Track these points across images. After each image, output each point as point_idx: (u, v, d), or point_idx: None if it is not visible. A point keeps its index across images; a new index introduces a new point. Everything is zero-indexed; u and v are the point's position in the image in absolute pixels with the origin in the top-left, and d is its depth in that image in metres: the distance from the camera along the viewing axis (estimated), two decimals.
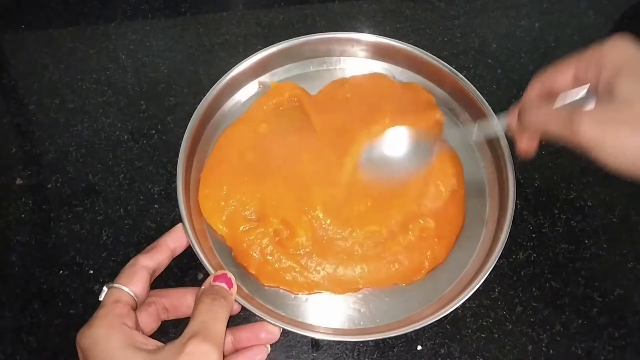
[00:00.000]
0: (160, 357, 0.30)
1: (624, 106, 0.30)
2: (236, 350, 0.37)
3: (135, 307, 0.34)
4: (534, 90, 0.37)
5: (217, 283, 0.35)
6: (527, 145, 0.38)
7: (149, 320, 0.37)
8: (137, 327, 0.33)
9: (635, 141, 0.29)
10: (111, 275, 0.45)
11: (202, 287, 0.35)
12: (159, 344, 0.32)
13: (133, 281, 0.34)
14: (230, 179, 0.44)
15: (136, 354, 0.30)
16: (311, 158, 0.45)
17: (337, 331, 0.40)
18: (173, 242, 0.39)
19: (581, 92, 0.34)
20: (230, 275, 0.36)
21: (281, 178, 0.44)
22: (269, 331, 0.38)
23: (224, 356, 0.32)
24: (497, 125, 0.40)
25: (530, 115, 0.35)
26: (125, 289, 0.34)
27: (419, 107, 0.48)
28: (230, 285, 0.36)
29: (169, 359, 0.29)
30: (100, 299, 0.34)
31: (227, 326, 0.33)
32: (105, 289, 0.34)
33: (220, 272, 0.36)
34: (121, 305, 0.33)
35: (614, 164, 0.30)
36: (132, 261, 0.36)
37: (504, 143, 0.44)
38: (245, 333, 0.38)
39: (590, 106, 0.33)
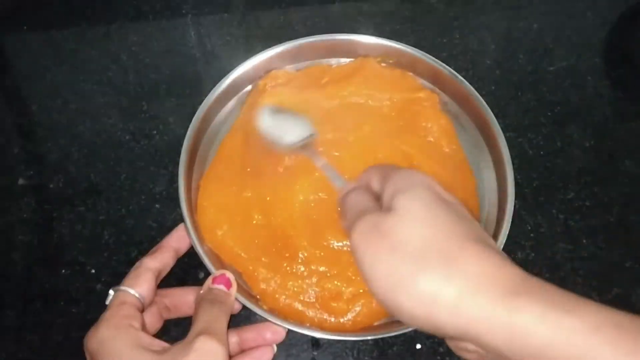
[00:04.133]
0: (168, 356, 0.30)
1: (395, 221, 0.27)
2: (242, 351, 0.38)
3: (142, 309, 0.34)
4: (361, 179, 0.35)
5: (215, 286, 0.36)
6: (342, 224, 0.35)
7: (152, 320, 0.37)
8: (144, 328, 0.34)
9: (386, 265, 0.26)
10: (113, 274, 0.45)
11: (201, 291, 0.36)
12: (166, 344, 0.32)
13: (138, 283, 0.35)
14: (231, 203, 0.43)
15: (143, 355, 0.30)
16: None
17: (337, 330, 0.40)
18: (176, 242, 0.39)
19: None
20: (229, 275, 0.36)
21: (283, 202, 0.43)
22: (275, 331, 0.38)
23: (230, 357, 0.32)
24: (339, 184, 0.38)
25: (344, 197, 0.33)
26: (131, 291, 0.34)
27: (400, 85, 0.48)
28: (229, 285, 0.36)
29: (178, 357, 0.30)
30: (107, 302, 0.34)
31: (233, 327, 0.34)
32: (111, 292, 0.35)
33: (219, 272, 0.37)
34: (127, 307, 0.33)
35: (369, 285, 0.27)
36: (137, 264, 0.36)
37: (502, 143, 0.44)
38: (250, 334, 0.38)
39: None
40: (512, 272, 0.25)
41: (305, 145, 0.42)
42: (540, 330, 0.23)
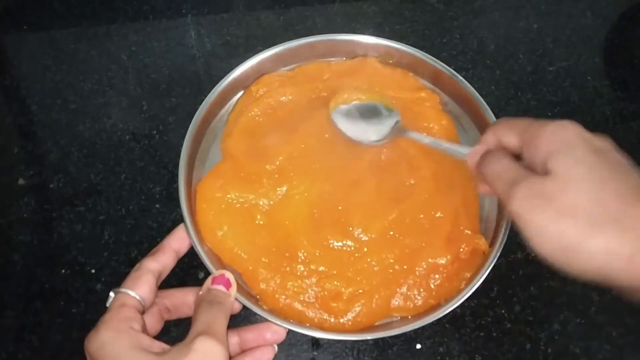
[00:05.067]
0: (167, 358, 0.30)
1: (559, 186, 0.28)
2: (243, 351, 0.38)
3: (143, 311, 0.34)
4: (488, 138, 0.35)
5: (214, 286, 0.36)
6: (485, 189, 0.36)
7: (153, 321, 0.37)
8: (144, 330, 0.33)
9: (556, 228, 0.27)
10: (113, 274, 0.45)
11: (201, 292, 0.36)
12: (166, 346, 0.32)
13: (138, 285, 0.35)
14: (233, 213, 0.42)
15: (143, 357, 0.30)
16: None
17: (337, 330, 0.40)
18: (176, 242, 0.39)
19: None
20: (228, 275, 0.36)
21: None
22: (275, 331, 0.38)
23: (230, 357, 0.32)
24: (463, 151, 0.37)
25: (484, 165, 0.34)
26: (132, 292, 0.34)
27: (401, 84, 0.48)
28: (228, 286, 0.36)
29: (177, 358, 0.30)
30: (108, 304, 0.34)
31: (233, 327, 0.33)
32: (112, 294, 0.34)
33: (218, 273, 0.37)
34: (127, 309, 0.33)
35: (535, 247, 0.28)
36: (137, 265, 0.36)
37: None
38: (251, 334, 0.38)
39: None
40: None
41: (398, 130, 0.43)
42: None
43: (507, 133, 0.33)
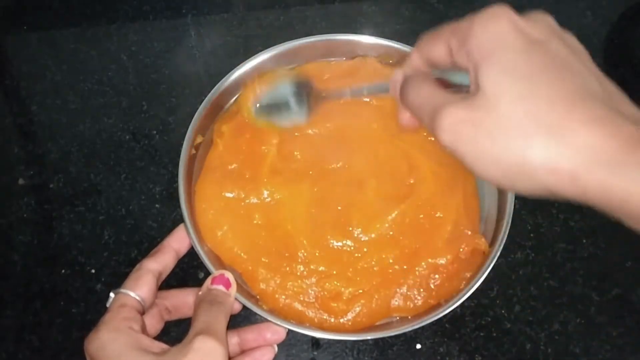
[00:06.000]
0: (167, 357, 0.30)
1: (487, 105, 0.24)
2: (242, 352, 0.38)
3: (143, 311, 0.34)
4: (414, 60, 0.31)
5: (214, 286, 0.36)
6: (408, 120, 0.31)
7: (153, 321, 0.37)
8: (144, 330, 0.33)
9: (491, 153, 0.25)
10: (113, 274, 0.45)
11: (200, 292, 0.36)
12: (165, 346, 0.32)
13: (138, 285, 0.35)
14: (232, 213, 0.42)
15: (143, 357, 0.30)
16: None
17: (337, 330, 0.40)
18: (176, 243, 0.39)
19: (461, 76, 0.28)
20: (227, 275, 0.36)
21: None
22: (275, 331, 0.38)
23: (230, 357, 0.32)
24: (386, 86, 0.33)
25: (403, 94, 0.30)
26: (132, 293, 0.34)
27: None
28: (228, 286, 0.36)
29: (178, 358, 0.30)
30: (108, 305, 0.34)
31: (233, 327, 0.33)
32: (112, 295, 0.35)
33: (217, 273, 0.37)
34: (127, 309, 0.33)
35: (480, 174, 0.26)
36: (137, 266, 0.36)
37: None
38: (251, 334, 0.38)
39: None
40: (625, 136, 0.23)
41: (318, 99, 0.40)
42: None
43: (434, 45, 0.29)
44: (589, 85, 0.25)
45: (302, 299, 0.40)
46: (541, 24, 0.27)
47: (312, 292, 0.40)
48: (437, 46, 0.29)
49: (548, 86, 0.24)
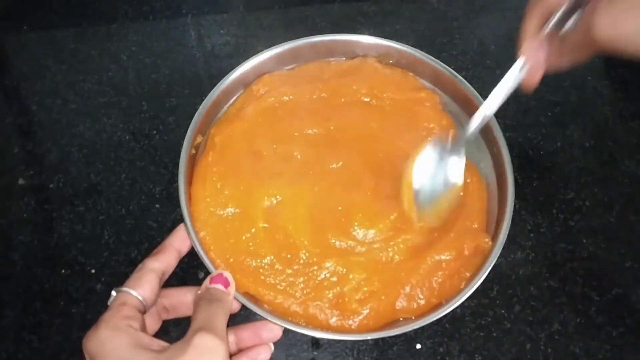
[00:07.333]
0: (167, 355, 0.30)
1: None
2: (239, 350, 0.38)
3: (144, 310, 0.34)
4: (532, 23, 0.36)
5: (213, 285, 0.36)
6: (535, 77, 0.38)
7: (151, 320, 0.37)
8: (144, 329, 0.33)
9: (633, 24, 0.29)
10: (113, 274, 0.45)
11: (199, 291, 0.36)
12: (165, 344, 0.32)
13: (140, 284, 0.35)
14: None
15: (143, 354, 0.30)
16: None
17: (337, 330, 0.40)
18: (178, 242, 0.39)
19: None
20: (226, 274, 0.36)
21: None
22: (271, 330, 0.38)
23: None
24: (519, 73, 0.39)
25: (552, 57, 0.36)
26: (133, 292, 0.34)
27: (401, 85, 0.48)
28: (227, 285, 0.36)
29: (177, 355, 0.30)
30: (109, 303, 0.34)
31: (229, 326, 0.33)
32: (113, 293, 0.35)
33: (216, 272, 0.37)
34: (127, 308, 0.33)
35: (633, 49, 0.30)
36: (139, 265, 0.36)
37: (502, 143, 0.44)
38: (247, 332, 0.38)
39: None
40: None
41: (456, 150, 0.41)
42: None
43: None
44: None
45: (302, 299, 0.40)
46: None
47: (314, 293, 0.40)
48: None
49: None
